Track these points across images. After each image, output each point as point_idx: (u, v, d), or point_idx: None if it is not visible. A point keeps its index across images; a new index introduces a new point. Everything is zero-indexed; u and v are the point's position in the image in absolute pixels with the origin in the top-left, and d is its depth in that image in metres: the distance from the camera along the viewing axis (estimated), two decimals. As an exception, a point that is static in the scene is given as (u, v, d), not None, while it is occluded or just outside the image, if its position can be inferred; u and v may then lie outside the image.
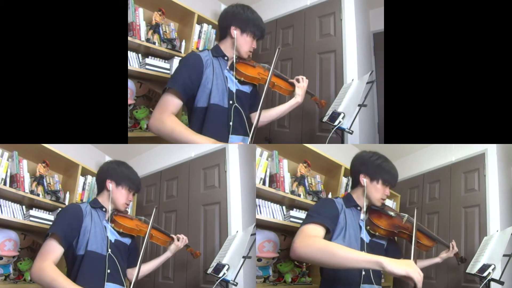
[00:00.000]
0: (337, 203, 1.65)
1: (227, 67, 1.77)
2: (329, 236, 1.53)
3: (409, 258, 1.42)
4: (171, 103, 1.66)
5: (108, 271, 1.57)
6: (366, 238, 1.64)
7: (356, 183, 1.72)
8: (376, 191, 1.67)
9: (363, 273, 1.57)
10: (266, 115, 1.88)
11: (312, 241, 1.38)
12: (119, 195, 1.71)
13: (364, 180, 1.67)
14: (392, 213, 1.69)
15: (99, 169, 1.77)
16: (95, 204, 1.70)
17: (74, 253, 1.58)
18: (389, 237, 1.71)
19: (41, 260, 1.50)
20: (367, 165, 1.68)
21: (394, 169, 1.70)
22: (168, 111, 1.65)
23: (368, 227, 1.64)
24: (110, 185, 1.70)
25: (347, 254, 1.29)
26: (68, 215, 1.62)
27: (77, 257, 1.57)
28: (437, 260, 1.97)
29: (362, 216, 1.67)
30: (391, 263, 1.20)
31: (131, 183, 1.73)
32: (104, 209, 1.70)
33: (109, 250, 1.61)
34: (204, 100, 1.69)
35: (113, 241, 1.66)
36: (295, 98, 1.83)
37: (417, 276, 1.17)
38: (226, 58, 1.77)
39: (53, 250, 1.52)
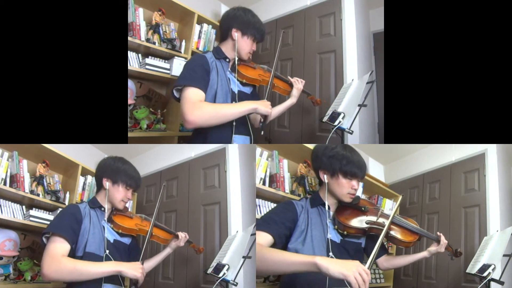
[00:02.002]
0: (296, 205, 1.58)
1: (229, 69, 1.80)
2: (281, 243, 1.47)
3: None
4: (197, 95, 1.63)
5: None
6: (336, 238, 1.55)
7: (320, 181, 1.64)
8: (340, 186, 1.55)
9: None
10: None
11: None
12: (116, 193, 1.70)
13: (324, 176, 1.59)
14: (364, 208, 1.57)
15: (97, 166, 1.77)
16: (94, 204, 1.70)
17: (73, 255, 1.57)
18: (366, 234, 1.58)
19: (50, 256, 1.47)
20: (322, 160, 1.59)
21: (355, 157, 1.56)
22: (197, 100, 1.61)
23: (336, 227, 1.55)
24: (107, 183, 1.70)
25: (278, 258, 1.24)
26: (68, 217, 1.61)
27: (75, 258, 1.56)
28: (424, 254, 1.74)
29: (332, 214, 1.59)
30: (326, 263, 1.12)
31: (128, 179, 1.71)
32: (103, 209, 1.70)
33: (107, 251, 1.60)
34: (209, 100, 1.70)
35: (112, 241, 1.65)
36: (291, 99, 1.87)
37: (353, 280, 1.09)
38: (227, 60, 1.81)
39: (61, 245, 1.51)
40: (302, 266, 1.19)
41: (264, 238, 1.42)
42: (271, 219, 1.50)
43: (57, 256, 1.47)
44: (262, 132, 1.80)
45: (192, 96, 1.61)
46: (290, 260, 1.22)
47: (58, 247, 1.50)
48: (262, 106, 1.66)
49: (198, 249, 2.01)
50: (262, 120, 1.73)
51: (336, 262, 1.14)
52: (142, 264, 1.59)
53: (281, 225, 1.48)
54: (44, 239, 1.57)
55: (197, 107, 1.59)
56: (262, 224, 1.47)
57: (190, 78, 1.66)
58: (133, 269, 1.52)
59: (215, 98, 1.70)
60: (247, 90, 1.83)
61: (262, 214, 2.02)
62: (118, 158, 1.78)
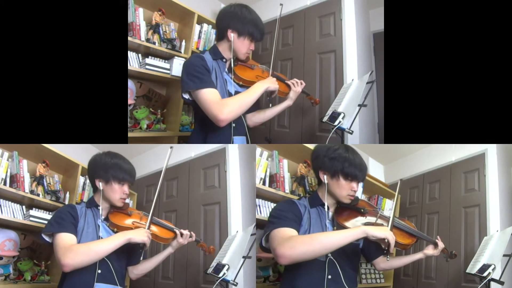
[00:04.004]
0: (299, 205, 1.57)
1: (226, 70, 1.76)
2: None
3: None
4: (215, 94, 1.63)
5: (99, 271, 1.53)
6: None
7: (319, 181, 1.63)
8: (340, 187, 1.54)
9: (329, 276, 1.47)
10: (261, 116, 1.89)
11: (293, 241, 1.37)
12: (111, 193, 1.64)
13: (324, 177, 1.57)
14: (363, 209, 1.57)
15: (87, 168, 1.71)
16: (91, 204, 1.68)
17: None
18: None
19: (62, 249, 1.47)
20: (323, 160, 1.57)
21: (357, 159, 1.55)
22: (218, 98, 1.63)
23: (335, 228, 1.54)
24: (100, 183, 1.65)
25: (333, 237, 1.38)
26: (66, 215, 1.60)
27: None
28: (419, 255, 1.74)
29: (331, 215, 1.59)
30: (372, 230, 1.39)
31: (120, 173, 1.64)
32: (99, 208, 1.66)
33: None
34: None
35: None
36: (287, 101, 1.84)
37: (391, 238, 1.40)
38: (224, 60, 1.76)
39: (68, 237, 1.51)
40: (354, 236, 1.38)
41: (293, 232, 1.43)
42: (285, 217, 1.49)
43: (68, 245, 1.48)
44: (270, 105, 1.84)
45: (211, 96, 1.62)
46: (343, 234, 1.38)
47: (66, 239, 1.51)
48: (271, 84, 1.75)
49: (207, 249, 1.88)
50: (269, 96, 1.80)
51: (375, 228, 1.41)
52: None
53: (294, 222, 1.49)
54: (46, 238, 1.57)
55: (224, 105, 1.61)
56: (279, 222, 1.46)
57: (200, 81, 1.63)
58: (140, 235, 1.56)
59: None
60: (244, 90, 1.81)
61: (262, 214, 2.03)
62: (106, 153, 1.70)
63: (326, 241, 1.36)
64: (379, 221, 1.55)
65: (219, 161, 2.30)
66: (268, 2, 2.77)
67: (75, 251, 1.46)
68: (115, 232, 1.64)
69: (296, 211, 1.54)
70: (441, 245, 1.72)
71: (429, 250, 1.74)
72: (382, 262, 1.82)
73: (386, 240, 1.40)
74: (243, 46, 1.73)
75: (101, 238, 1.59)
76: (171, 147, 1.72)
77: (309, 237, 1.43)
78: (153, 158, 2.67)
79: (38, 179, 2.11)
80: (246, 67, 1.78)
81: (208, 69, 1.68)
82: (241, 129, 1.77)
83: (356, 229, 1.40)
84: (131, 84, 2.31)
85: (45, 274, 2.21)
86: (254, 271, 2.04)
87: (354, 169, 1.53)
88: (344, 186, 1.54)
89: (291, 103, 1.85)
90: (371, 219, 1.56)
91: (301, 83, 1.84)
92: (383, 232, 1.40)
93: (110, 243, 1.51)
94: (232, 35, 1.71)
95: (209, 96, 1.62)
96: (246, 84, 1.76)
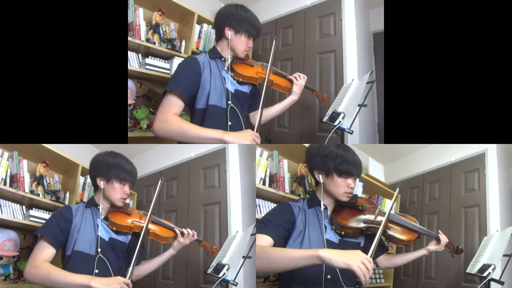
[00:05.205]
0: (293, 206, 1.56)
1: (225, 68, 1.77)
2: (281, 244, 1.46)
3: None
4: (174, 104, 1.65)
5: (97, 271, 1.53)
6: (334, 238, 1.54)
7: (316, 181, 1.62)
8: (336, 185, 1.53)
9: (328, 276, 1.45)
10: (264, 114, 1.87)
11: None
12: (112, 192, 1.65)
13: (319, 176, 1.57)
14: (362, 207, 1.55)
15: (89, 166, 1.73)
16: (90, 203, 1.68)
17: (64, 254, 1.58)
18: (364, 234, 1.56)
19: (32, 260, 1.50)
20: (316, 159, 1.57)
21: (350, 155, 1.54)
22: (171, 112, 1.63)
23: (333, 227, 1.53)
24: (101, 182, 1.66)
25: (282, 255, 1.28)
26: (57, 218, 1.60)
27: (65, 258, 1.57)
28: (423, 252, 1.73)
29: (329, 214, 1.58)
30: (330, 255, 1.15)
31: (121, 173, 1.65)
32: (98, 207, 1.66)
33: (99, 249, 1.57)
34: (203, 101, 1.70)
35: (107, 239, 1.62)
36: (291, 96, 1.82)
37: (357, 269, 1.12)
38: (223, 59, 1.78)
39: (44, 249, 1.52)
40: (306, 260, 1.21)
41: (265, 240, 1.42)
42: (269, 222, 1.49)
43: (38, 260, 1.49)
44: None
45: (168, 106, 1.63)
46: (294, 256, 1.26)
47: (41, 252, 1.52)
48: (235, 138, 1.57)
49: (210, 249, 1.87)
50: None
51: (338, 253, 1.17)
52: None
53: (279, 227, 1.48)
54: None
55: (166, 120, 1.61)
56: (261, 227, 1.47)
57: (174, 82, 1.67)
58: (107, 286, 1.42)
59: (208, 98, 1.69)
60: (245, 89, 1.81)
61: (262, 214, 2.03)
62: (108, 153, 1.72)
63: (273, 259, 1.28)
64: (378, 218, 1.53)
65: (219, 161, 2.30)
66: (268, 2, 2.78)
67: (37, 270, 1.47)
68: (114, 231, 1.65)
69: (288, 213, 1.53)
70: (444, 239, 1.70)
71: (432, 246, 1.72)
72: (384, 261, 1.81)
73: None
74: (240, 43, 1.75)
75: (100, 237, 1.60)
76: (161, 179, 1.74)
77: (261, 252, 1.34)
78: (153, 158, 2.67)
79: (38, 179, 2.11)
80: (245, 65, 1.80)
81: (196, 70, 1.69)
82: (238, 128, 1.77)
83: (311, 253, 1.21)
84: (131, 84, 2.31)
85: (45, 274, 2.21)
86: (254, 271, 2.04)
87: (347, 165, 1.52)
88: (339, 183, 1.53)
89: (297, 98, 1.82)
90: (370, 216, 1.55)
91: (303, 77, 1.83)
92: (346, 261, 1.13)
93: (71, 280, 1.43)
94: (229, 33, 1.74)
95: (166, 103, 1.64)
96: (246, 80, 1.77)
